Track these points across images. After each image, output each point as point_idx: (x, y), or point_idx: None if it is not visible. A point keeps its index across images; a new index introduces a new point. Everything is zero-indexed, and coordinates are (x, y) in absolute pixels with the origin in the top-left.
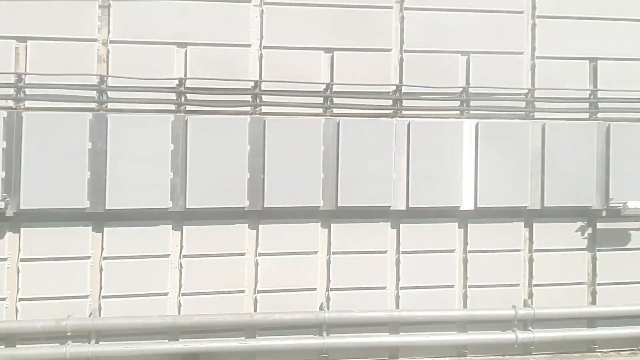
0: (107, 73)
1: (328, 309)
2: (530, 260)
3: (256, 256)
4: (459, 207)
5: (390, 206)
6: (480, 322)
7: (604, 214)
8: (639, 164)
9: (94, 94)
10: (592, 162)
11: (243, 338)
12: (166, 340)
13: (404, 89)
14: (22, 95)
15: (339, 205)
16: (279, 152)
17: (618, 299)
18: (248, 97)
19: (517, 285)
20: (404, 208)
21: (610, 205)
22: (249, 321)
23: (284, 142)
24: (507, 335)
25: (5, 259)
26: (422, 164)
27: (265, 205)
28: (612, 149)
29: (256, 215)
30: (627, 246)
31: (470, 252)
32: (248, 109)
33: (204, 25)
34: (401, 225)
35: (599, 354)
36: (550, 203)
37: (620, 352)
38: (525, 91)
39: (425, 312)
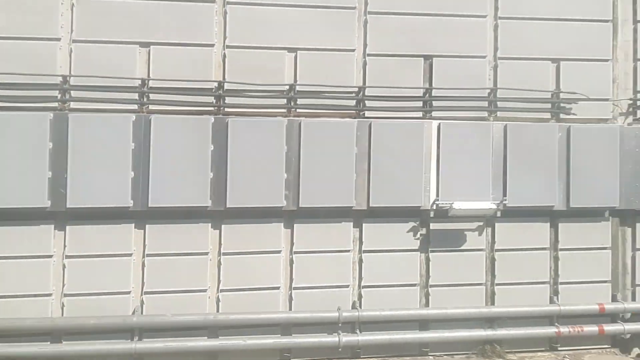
0: None
1: (142, 312)
2: (360, 261)
3: (63, 259)
4: (282, 207)
5: (207, 206)
6: (306, 325)
7: (432, 214)
8: (467, 163)
9: None
10: (420, 162)
11: (48, 343)
12: None
13: (227, 86)
14: None
15: (150, 205)
16: (85, 149)
17: (450, 301)
18: (55, 93)
19: (347, 286)
20: (223, 208)
21: (440, 205)
22: (51, 325)
23: (91, 139)
24: (330, 339)
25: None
26: (243, 164)
27: (68, 206)
28: (442, 148)
29: (61, 216)
30: (463, 247)
31: (296, 253)
32: (56, 104)
33: (8, 18)
34: (223, 226)
35: (431, 357)
36: (377, 203)
37: (454, 356)
38: (356, 89)
39: (243, 315)
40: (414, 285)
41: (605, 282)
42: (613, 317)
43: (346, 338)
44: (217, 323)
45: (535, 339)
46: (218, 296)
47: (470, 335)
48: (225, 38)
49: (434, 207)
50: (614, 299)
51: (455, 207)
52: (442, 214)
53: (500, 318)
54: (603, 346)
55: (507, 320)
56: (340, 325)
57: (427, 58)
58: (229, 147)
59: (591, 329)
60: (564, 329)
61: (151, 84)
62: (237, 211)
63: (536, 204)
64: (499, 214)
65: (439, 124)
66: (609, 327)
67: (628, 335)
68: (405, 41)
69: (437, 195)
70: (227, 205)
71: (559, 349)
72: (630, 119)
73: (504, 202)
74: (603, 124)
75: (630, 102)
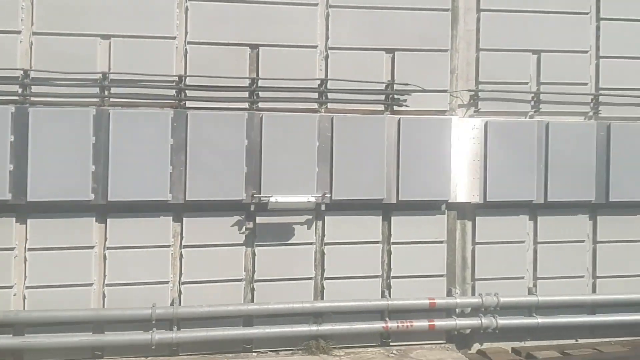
0: None
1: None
2: (180, 256)
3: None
4: (89, 200)
5: (7, 200)
6: (122, 322)
7: (252, 207)
8: (293, 156)
9: None
10: (242, 155)
11: None
12: None
13: (33, 74)
14: None
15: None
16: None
17: (278, 297)
18: None
19: (167, 283)
20: (23, 202)
21: (262, 199)
22: None
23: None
24: (143, 336)
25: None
26: (45, 155)
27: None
28: (264, 139)
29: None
30: (291, 241)
31: (109, 248)
32: None
33: None
34: (28, 220)
35: (254, 353)
36: (194, 197)
37: (279, 352)
38: (176, 79)
39: (48, 312)
40: (240, 280)
41: (440, 276)
42: (449, 312)
43: (160, 335)
44: (20, 320)
45: (366, 334)
46: (24, 293)
47: (293, 331)
48: (32, 24)
49: (254, 200)
50: (449, 293)
51: (272, 201)
52: (264, 207)
53: (327, 313)
54: (438, 342)
55: (334, 316)
56: (154, 322)
57: (254, 47)
58: (29, 138)
59: (421, 324)
60: (392, 324)
61: None
62: (40, 205)
63: (364, 197)
64: (323, 207)
65: (262, 115)
66: (439, 323)
67: (468, 330)
68: (230, 29)
69: (259, 189)
70: (28, 199)
71: (391, 344)
72: (472, 110)
73: (327, 195)
74: (439, 116)
75: (472, 93)
